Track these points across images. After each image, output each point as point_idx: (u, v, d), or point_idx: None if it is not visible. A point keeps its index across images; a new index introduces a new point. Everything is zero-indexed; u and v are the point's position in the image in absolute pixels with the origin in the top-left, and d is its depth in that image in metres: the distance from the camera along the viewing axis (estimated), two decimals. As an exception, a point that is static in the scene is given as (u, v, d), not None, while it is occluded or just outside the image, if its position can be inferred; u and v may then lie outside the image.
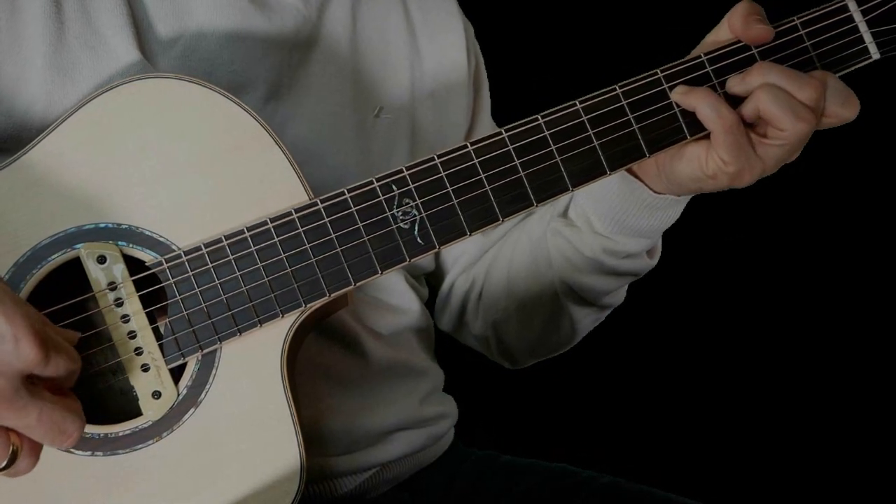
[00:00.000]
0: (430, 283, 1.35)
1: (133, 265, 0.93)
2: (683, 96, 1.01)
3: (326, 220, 0.95)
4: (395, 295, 1.22)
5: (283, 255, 0.95)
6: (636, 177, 1.09)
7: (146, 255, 0.93)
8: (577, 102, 1.01)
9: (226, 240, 0.94)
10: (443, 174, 0.98)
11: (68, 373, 0.80)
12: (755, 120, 1.01)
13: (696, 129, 1.02)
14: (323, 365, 1.11)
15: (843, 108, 1.01)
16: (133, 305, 0.92)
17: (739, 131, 0.99)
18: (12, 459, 0.79)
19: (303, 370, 1.05)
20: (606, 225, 1.14)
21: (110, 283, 0.92)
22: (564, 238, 1.19)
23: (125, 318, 0.92)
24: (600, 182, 1.03)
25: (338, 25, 1.18)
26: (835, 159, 1.71)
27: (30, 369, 0.77)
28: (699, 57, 1.03)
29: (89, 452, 0.91)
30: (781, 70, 1.00)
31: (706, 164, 1.02)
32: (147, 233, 0.93)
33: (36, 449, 0.81)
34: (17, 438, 0.79)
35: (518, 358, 1.36)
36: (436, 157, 0.98)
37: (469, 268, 1.34)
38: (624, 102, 1.01)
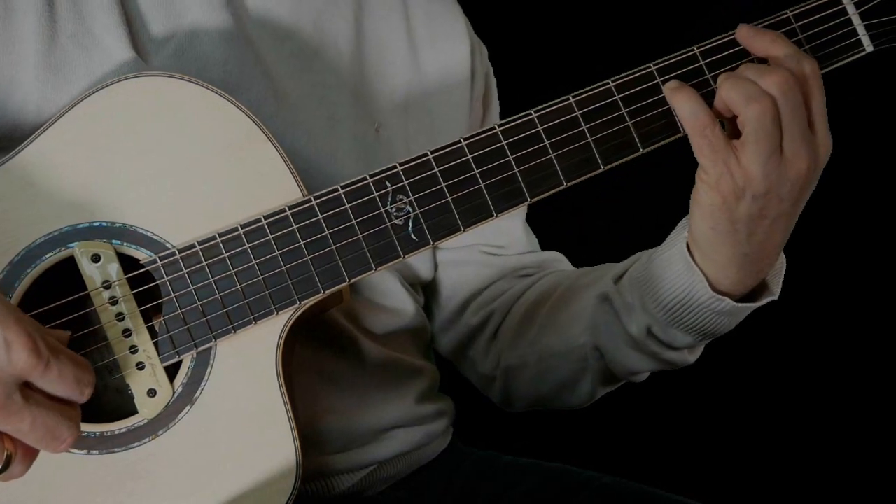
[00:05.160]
0: (432, 308, 1.33)
1: (127, 263, 0.93)
2: (669, 95, 1.01)
3: (320, 216, 0.95)
4: (389, 296, 1.21)
5: (278, 253, 0.94)
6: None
7: (140, 254, 0.93)
8: (571, 97, 1.01)
9: (220, 237, 0.94)
10: (436, 170, 0.98)
11: (76, 379, 0.79)
12: (728, 117, 1.00)
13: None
14: (318, 365, 1.11)
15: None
16: (127, 304, 0.92)
17: (714, 134, 0.97)
18: (6, 464, 0.79)
19: (298, 370, 1.05)
20: (659, 312, 1.09)
21: (105, 282, 0.92)
22: (612, 308, 1.14)
23: (120, 317, 0.92)
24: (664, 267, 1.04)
25: (340, 37, 1.17)
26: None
27: (24, 375, 0.77)
28: (692, 50, 1.03)
29: (85, 451, 0.91)
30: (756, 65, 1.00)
31: (696, 189, 1.01)
32: (141, 231, 0.93)
33: (30, 454, 0.81)
34: (10, 444, 0.79)
35: (515, 404, 1.32)
36: (429, 152, 0.98)
37: (478, 299, 1.31)
38: (617, 97, 1.01)
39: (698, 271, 1.04)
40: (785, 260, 1.08)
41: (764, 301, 1.08)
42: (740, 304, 1.06)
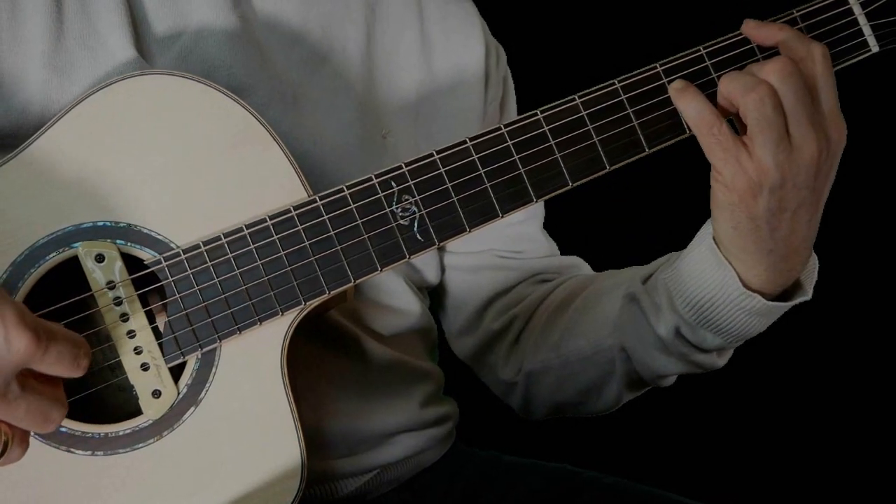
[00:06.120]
0: (447, 309, 1.32)
1: (132, 264, 0.92)
2: (674, 96, 1.00)
3: (325, 217, 0.95)
4: (395, 297, 1.20)
5: (283, 253, 0.94)
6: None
7: (145, 254, 0.93)
8: (577, 97, 1.01)
9: (224, 238, 0.93)
10: (442, 170, 0.97)
11: (73, 357, 0.80)
12: (734, 112, 1.00)
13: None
14: (323, 367, 1.10)
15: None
16: (132, 304, 0.92)
17: (721, 132, 0.97)
18: (3, 449, 0.80)
19: (302, 372, 1.04)
20: (688, 311, 1.08)
21: (109, 282, 0.92)
22: (640, 308, 1.13)
23: (124, 317, 0.92)
24: (692, 267, 1.03)
25: (350, 42, 1.16)
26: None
27: (24, 363, 0.77)
28: (698, 50, 1.02)
29: (89, 452, 0.91)
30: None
31: (713, 190, 1.00)
32: (145, 231, 0.93)
33: (26, 438, 0.82)
34: (7, 429, 0.80)
35: (536, 411, 1.30)
36: (435, 153, 0.98)
37: (498, 303, 1.30)
38: (623, 97, 1.01)
39: (729, 266, 1.03)
40: (817, 259, 1.07)
41: (796, 301, 1.06)
42: (772, 303, 1.04)
